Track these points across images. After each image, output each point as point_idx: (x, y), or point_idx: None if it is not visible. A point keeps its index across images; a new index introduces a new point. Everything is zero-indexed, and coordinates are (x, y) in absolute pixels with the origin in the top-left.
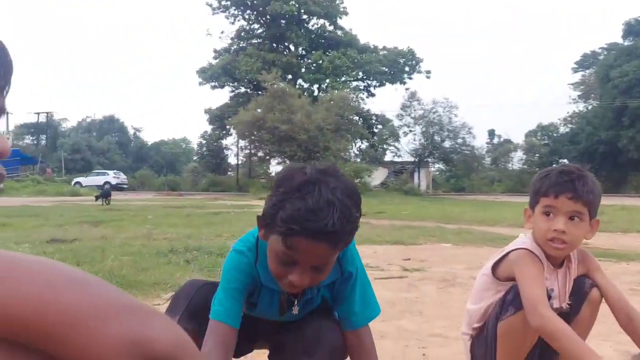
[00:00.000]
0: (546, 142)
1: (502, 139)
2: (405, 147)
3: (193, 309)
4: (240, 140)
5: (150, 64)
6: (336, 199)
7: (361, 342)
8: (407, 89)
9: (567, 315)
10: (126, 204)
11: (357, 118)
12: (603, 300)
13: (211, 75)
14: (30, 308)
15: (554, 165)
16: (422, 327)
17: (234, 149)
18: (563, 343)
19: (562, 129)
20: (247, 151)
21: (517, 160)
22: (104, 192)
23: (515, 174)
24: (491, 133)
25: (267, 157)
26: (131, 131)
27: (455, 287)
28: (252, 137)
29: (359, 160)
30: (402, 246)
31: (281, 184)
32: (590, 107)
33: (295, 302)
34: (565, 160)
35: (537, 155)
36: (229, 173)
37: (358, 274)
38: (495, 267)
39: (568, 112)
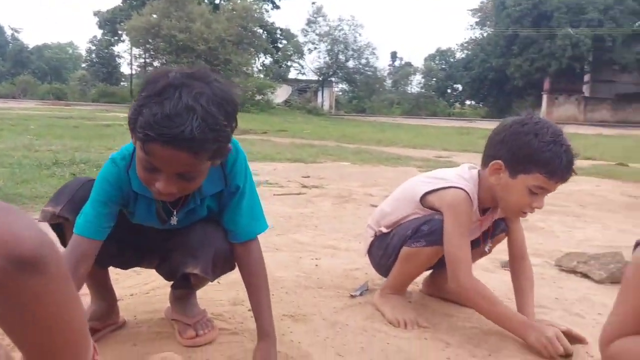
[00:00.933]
0: (443, 67)
1: (403, 62)
2: (309, 65)
3: (76, 200)
4: (134, 48)
5: None
6: (198, 104)
7: (249, 254)
8: (313, 2)
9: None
10: (6, 113)
11: (261, 31)
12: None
13: None
14: None
15: (540, 122)
16: (316, 239)
17: (127, 57)
18: (478, 307)
19: (459, 55)
20: (142, 60)
21: (416, 83)
22: None
23: (413, 97)
24: (393, 55)
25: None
26: (8, 32)
27: (349, 203)
28: (147, 46)
29: (262, 76)
30: (302, 164)
31: (145, 87)
32: (485, 35)
33: (175, 213)
34: (460, 86)
35: (434, 79)
36: (122, 83)
37: (246, 188)
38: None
39: (465, 38)
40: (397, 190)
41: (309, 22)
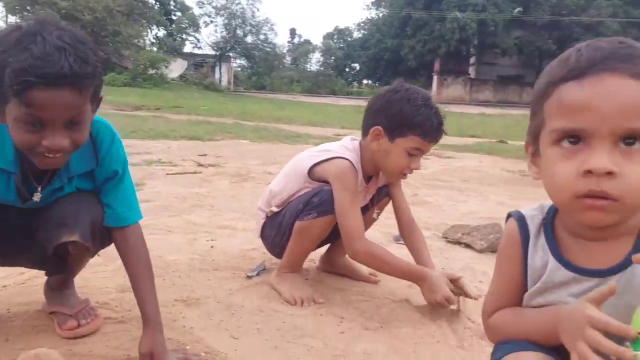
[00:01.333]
0: (341, 45)
1: (302, 39)
2: (206, 39)
3: None
4: (9, 16)
5: None
6: (65, 43)
7: (126, 240)
8: None
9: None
10: None
11: (153, 1)
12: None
13: None
14: None
15: (410, 88)
16: (212, 220)
17: (2, 25)
18: (375, 267)
19: (356, 34)
20: None
21: (315, 61)
22: None
23: (312, 75)
24: (292, 32)
25: None
26: None
27: (247, 182)
28: (25, 14)
29: (155, 49)
30: (198, 142)
31: None
32: (381, 15)
33: (39, 189)
34: (357, 66)
35: (332, 57)
36: None
37: (125, 173)
38: (312, 165)
39: (362, 18)
40: (284, 168)
41: None
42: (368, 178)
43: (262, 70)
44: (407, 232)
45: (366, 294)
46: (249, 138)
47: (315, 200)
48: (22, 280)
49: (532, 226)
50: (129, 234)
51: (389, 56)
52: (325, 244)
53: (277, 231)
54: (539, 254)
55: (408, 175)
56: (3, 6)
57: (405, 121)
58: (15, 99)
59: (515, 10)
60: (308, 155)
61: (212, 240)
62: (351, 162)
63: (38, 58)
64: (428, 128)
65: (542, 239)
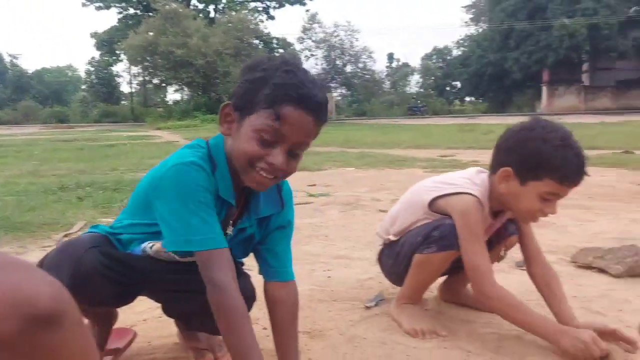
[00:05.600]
0: (441, 65)
1: (400, 63)
2: None
3: (79, 276)
4: (132, 67)
5: None
6: (317, 80)
7: (290, 295)
8: (307, 10)
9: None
10: (9, 139)
11: (258, 42)
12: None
13: None
14: None
15: (548, 126)
16: (327, 250)
17: (126, 76)
18: (507, 315)
19: (455, 52)
20: (141, 78)
21: (414, 83)
22: None
23: (412, 98)
24: (390, 57)
25: (163, 84)
26: (7, 58)
27: (357, 210)
28: (145, 63)
29: None
30: (307, 172)
31: (258, 65)
32: (480, 30)
33: (231, 222)
34: (459, 83)
35: (432, 78)
36: (122, 102)
37: (293, 224)
38: (435, 197)
39: (461, 35)
40: (404, 196)
41: (305, 30)
42: (495, 213)
43: (362, 97)
44: (536, 270)
45: (493, 326)
46: (355, 165)
47: (436, 234)
48: (160, 314)
49: None
50: (294, 288)
51: (491, 71)
52: (445, 274)
53: (394, 260)
54: None
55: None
56: (127, 59)
57: (541, 164)
58: (265, 110)
59: (632, 10)
60: (430, 187)
61: (328, 270)
62: (478, 198)
63: (301, 81)
64: (567, 172)
65: None
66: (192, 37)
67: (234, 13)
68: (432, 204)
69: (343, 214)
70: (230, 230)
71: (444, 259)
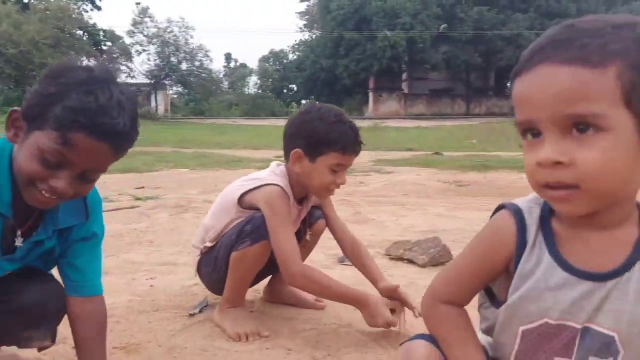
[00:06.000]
0: (277, 68)
1: (238, 63)
2: (139, 68)
3: None
4: None
5: None
6: (125, 102)
7: (95, 310)
8: (137, 3)
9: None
10: None
11: (82, 33)
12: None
13: None
14: None
15: (322, 107)
16: (151, 257)
17: None
18: (315, 291)
19: (291, 56)
20: None
21: (252, 84)
22: None
23: (250, 98)
24: (228, 57)
25: None
26: None
27: (188, 213)
28: None
29: None
30: (135, 174)
31: (59, 75)
32: (314, 37)
33: (19, 234)
34: (295, 87)
35: (270, 80)
36: None
37: (101, 240)
38: (242, 194)
39: (296, 40)
40: (215, 202)
41: (135, 23)
42: (300, 201)
43: (200, 96)
44: (350, 251)
45: (313, 322)
46: (189, 166)
47: (248, 228)
48: None
49: (531, 220)
50: (99, 302)
51: (324, 76)
52: (267, 274)
53: (213, 267)
54: (535, 251)
55: (334, 191)
56: None
57: (322, 140)
58: (53, 131)
59: (441, 27)
60: (237, 186)
61: (151, 278)
62: (281, 187)
63: (100, 107)
64: (345, 142)
65: (540, 235)
66: (0, 23)
67: (52, 0)
68: (242, 201)
69: (172, 218)
70: (19, 243)
71: (259, 252)
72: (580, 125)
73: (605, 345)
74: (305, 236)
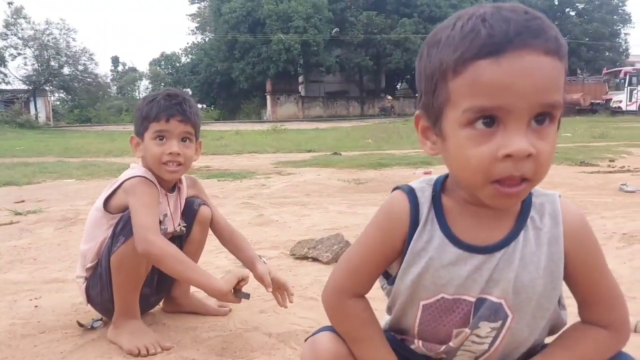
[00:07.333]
0: (170, 71)
1: (126, 67)
2: (14, 73)
3: None
4: None
5: None
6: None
7: None
8: (9, 3)
9: (182, 237)
10: None
11: None
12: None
13: None
14: None
15: (157, 91)
16: (36, 275)
17: None
18: (168, 265)
19: (184, 59)
20: None
21: (143, 89)
22: None
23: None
24: (115, 60)
25: None
26: None
27: (76, 225)
28: None
29: None
30: (14, 187)
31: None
32: (207, 39)
33: None
34: (189, 90)
35: (162, 84)
36: None
37: None
38: (107, 200)
39: (188, 43)
40: (85, 226)
41: (8, 25)
42: (171, 190)
43: (85, 102)
44: (229, 237)
45: (218, 329)
46: (75, 176)
47: (119, 227)
48: None
49: (423, 199)
50: None
51: (220, 79)
52: (163, 285)
53: (100, 285)
54: (427, 227)
55: (173, 164)
56: None
57: (142, 116)
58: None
59: (333, 31)
60: (102, 196)
61: (36, 298)
62: (141, 176)
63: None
64: (159, 110)
65: (432, 213)
66: None
67: None
68: (109, 208)
69: (59, 232)
70: None
71: (135, 247)
72: (540, 117)
73: (495, 311)
74: (180, 226)
